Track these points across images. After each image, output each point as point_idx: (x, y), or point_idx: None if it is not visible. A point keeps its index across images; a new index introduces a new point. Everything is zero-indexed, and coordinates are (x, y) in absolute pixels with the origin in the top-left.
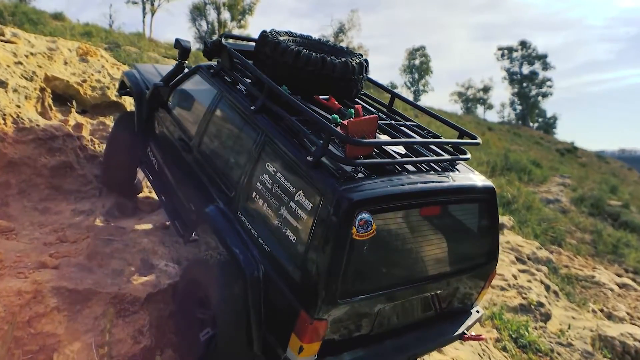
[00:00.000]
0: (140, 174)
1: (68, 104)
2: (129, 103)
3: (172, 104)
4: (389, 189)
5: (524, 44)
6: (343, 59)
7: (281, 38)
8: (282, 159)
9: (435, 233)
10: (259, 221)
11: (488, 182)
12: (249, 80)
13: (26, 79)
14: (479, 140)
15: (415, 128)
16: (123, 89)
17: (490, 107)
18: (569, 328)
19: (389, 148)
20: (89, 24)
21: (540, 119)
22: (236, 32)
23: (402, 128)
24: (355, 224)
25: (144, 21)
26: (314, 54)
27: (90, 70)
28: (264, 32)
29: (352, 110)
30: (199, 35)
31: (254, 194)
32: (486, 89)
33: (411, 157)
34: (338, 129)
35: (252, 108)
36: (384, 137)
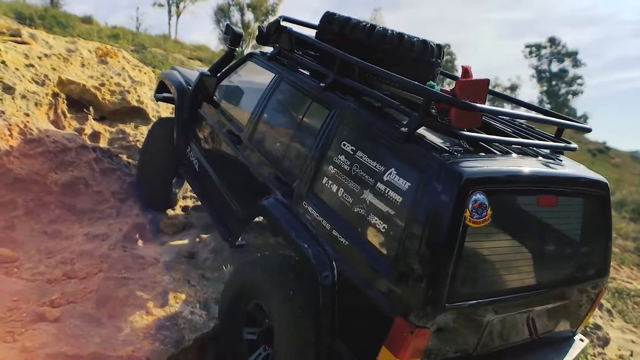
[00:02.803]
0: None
1: (84, 110)
2: (151, 109)
3: (220, 95)
4: (504, 168)
5: (552, 41)
6: (421, 39)
7: None
8: (365, 134)
9: (550, 230)
10: (333, 210)
11: (601, 177)
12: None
13: (37, 83)
14: (588, 126)
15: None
16: (160, 92)
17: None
18: (631, 355)
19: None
20: (117, 27)
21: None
22: None
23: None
24: (469, 206)
25: (169, 23)
26: (389, 30)
27: (109, 73)
28: (328, 12)
29: (434, 83)
30: (222, 36)
31: (325, 179)
32: (513, 88)
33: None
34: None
35: (320, 85)
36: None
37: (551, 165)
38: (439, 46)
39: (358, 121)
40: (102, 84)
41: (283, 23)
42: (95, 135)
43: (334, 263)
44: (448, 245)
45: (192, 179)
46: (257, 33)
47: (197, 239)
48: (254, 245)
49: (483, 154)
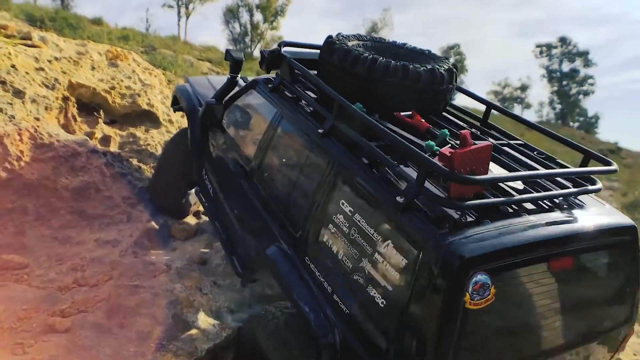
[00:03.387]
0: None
1: (95, 113)
2: (161, 112)
3: (227, 123)
4: (509, 239)
5: (563, 41)
6: (428, 66)
7: (349, 43)
8: (361, 196)
9: (564, 292)
10: (334, 273)
11: (627, 219)
12: (314, 96)
13: (47, 87)
14: (615, 167)
15: (521, 148)
16: (176, 104)
17: (528, 106)
18: None
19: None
20: (127, 28)
21: (581, 119)
22: (268, 34)
23: (506, 149)
24: (469, 289)
25: (178, 24)
26: (392, 61)
27: (119, 76)
28: (329, 37)
29: (446, 130)
30: (232, 37)
31: (326, 237)
32: (524, 88)
33: (530, 191)
34: (436, 160)
35: (319, 131)
36: (495, 169)
37: (567, 218)
38: (449, 71)
39: (355, 181)
40: (113, 87)
41: (284, 50)
42: (106, 139)
43: (335, 329)
44: (446, 333)
45: (207, 203)
46: (259, 58)
47: (209, 245)
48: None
49: (488, 220)
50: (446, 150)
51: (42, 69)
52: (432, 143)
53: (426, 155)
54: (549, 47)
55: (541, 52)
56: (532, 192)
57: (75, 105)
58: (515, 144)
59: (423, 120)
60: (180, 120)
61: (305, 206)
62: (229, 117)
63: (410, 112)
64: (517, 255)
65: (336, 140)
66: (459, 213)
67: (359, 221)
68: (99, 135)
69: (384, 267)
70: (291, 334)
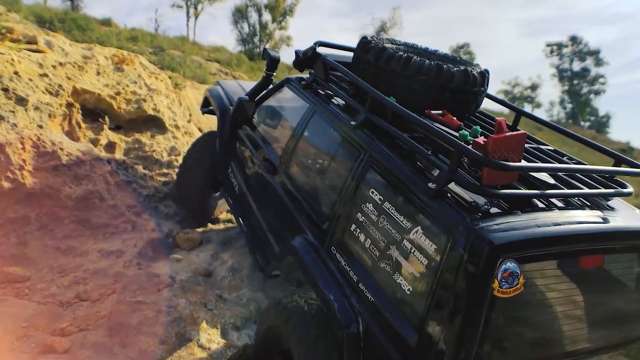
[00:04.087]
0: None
1: (100, 119)
2: (167, 117)
3: (258, 120)
4: (540, 230)
5: (574, 40)
6: (462, 67)
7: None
8: (392, 184)
9: (594, 292)
10: (360, 262)
11: None
12: (345, 93)
13: (51, 93)
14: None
15: (552, 153)
16: (206, 107)
17: (538, 105)
18: None
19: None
20: (136, 29)
21: (592, 118)
22: (277, 33)
23: (537, 152)
24: (498, 275)
25: (187, 25)
26: (426, 60)
27: (125, 81)
28: (364, 37)
29: (478, 127)
30: (240, 37)
31: (353, 226)
32: (534, 87)
33: (560, 187)
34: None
35: (352, 123)
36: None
37: (598, 218)
38: (482, 74)
39: (386, 169)
40: (118, 93)
41: (319, 49)
42: (111, 146)
43: (359, 318)
44: (473, 319)
45: (232, 201)
46: (292, 46)
47: (215, 256)
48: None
49: (518, 211)
50: (480, 139)
51: (46, 75)
52: (466, 132)
53: (460, 142)
54: (560, 46)
55: (552, 51)
56: (563, 189)
57: (80, 111)
58: (546, 149)
59: (455, 118)
60: (186, 126)
61: (334, 197)
62: (259, 114)
63: (441, 111)
64: (548, 246)
65: (368, 132)
66: (490, 201)
67: (388, 209)
68: (103, 141)
69: (411, 253)
70: (315, 324)
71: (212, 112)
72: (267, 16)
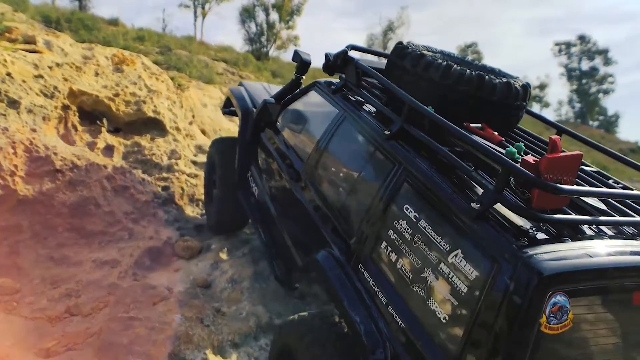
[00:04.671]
0: None
1: (97, 122)
2: (168, 119)
3: (282, 124)
4: (593, 260)
5: (582, 39)
6: (504, 80)
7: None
8: (429, 201)
9: None
10: (391, 283)
11: None
12: (378, 101)
13: (45, 95)
14: None
15: (596, 174)
16: (228, 107)
17: (546, 105)
18: None
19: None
20: (143, 29)
21: (600, 117)
22: (284, 33)
23: (581, 174)
24: (547, 310)
25: (195, 24)
26: (467, 70)
27: (124, 82)
28: (400, 43)
29: (522, 144)
30: (248, 37)
31: (384, 244)
32: (542, 86)
33: (611, 214)
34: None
35: (386, 132)
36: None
37: None
38: (524, 87)
39: (423, 185)
40: (117, 94)
41: (350, 53)
42: (109, 149)
43: (387, 343)
44: (519, 356)
45: (250, 206)
46: (323, 60)
47: (214, 265)
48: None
49: (568, 238)
50: (529, 158)
51: (41, 77)
52: (514, 150)
53: (510, 160)
54: (568, 45)
55: (560, 51)
56: (615, 216)
57: (77, 114)
58: (590, 170)
59: (496, 133)
60: (188, 128)
61: (363, 210)
62: (284, 118)
63: (481, 125)
64: (600, 279)
65: (403, 143)
66: (537, 226)
67: (424, 228)
68: (101, 145)
69: (450, 278)
70: (333, 346)
71: (232, 113)
72: (274, 16)
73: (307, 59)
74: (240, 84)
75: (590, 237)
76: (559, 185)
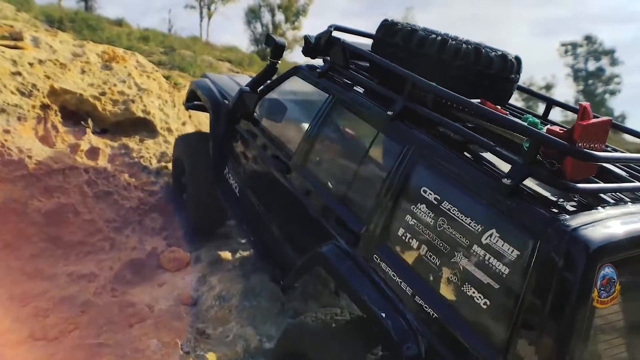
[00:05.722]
0: None
1: (82, 122)
2: (159, 120)
3: (261, 114)
4: (634, 228)
5: (589, 39)
6: (499, 52)
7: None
8: (451, 181)
9: None
10: (415, 272)
11: None
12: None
13: (22, 94)
14: None
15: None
16: (191, 102)
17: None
18: None
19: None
20: (148, 29)
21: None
22: (290, 33)
23: None
24: (597, 283)
25: (200, 25)
26: (464, 44)
27: (112, 80)
28: (386, 20)
29: (529, 116)
30: (253, 37)
31: (402, 231)
32: (548, 87)
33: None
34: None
35: (388, 113)
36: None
37: None
38: (518, 60)
39: (442, 164)
40: (103, 93)
41: (335, 34)
42: (94, 152)
43: (419, 337)
44: (574, 334)
45: (231, 204)
46: (303, 44)
47: (202, 279)
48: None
49: (598, 207)
50: (555, 128)
51: (19, 74)
52: (534, 118)
53: (538, 130)
54: (574, 45)
55: (566, 51)
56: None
57: (59, 113)
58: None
59: (499, 107)
60: (181, 129)
61: (372, 198)
62: (263, 107)
63: (479, 100)
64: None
65: (408, 123)
66: (566, 197)
67: (448, 210)
68: (85, 147)
69: (486, 260)
70: (350, 343)
71: (197, 108)
72: (280, 16)
73: (280, 42)
74: (204, 76)
75: (616, 204)
76: (595, 152)
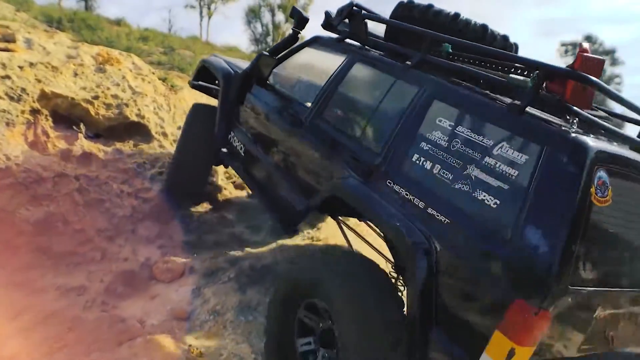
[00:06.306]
0: None
1: (74, 127)
2: (154, 124)
3: (277, 77)
4: (625, 151)
5: (589, 39)
6: (502, 34)
7: None
8: (466, 109)
9: None
10: (428, 187)
11: None
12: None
13: (11, 98)
14: None
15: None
16: (197, 80)
17: None
18: None
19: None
20: (148, 29)
21: None
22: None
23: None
24: (595, 182)
25: (200, 25)
26: (472, 20)
27: (106, 83)
28: (402, 2)
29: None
30: (254, 37)
31: (416, 156)
32: None
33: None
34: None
35: (407, 63)
36: None
37: None
38: (516, 45)
39: (457, 98)
40: (96, 97)
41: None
42: (86, 157)
43: (432, 241)
44: (575, 222)
45: (236, 164)
46: (323, 18)
47: (197, 291)
48: None
49: (592, 134)
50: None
51: (8, 77)
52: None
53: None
54: (575, 45)
55: (566, 51)
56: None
57: (49, 118)
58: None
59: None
60: (176, 133)
61: (388, 133)
62: (280, 71)
63: None
64: (631, 168)
65: (425, 70)
66: (566, 120)
67: (462, 132)
68: (77, 152)
69: (496, 168)
70: (364, 276)
71: (201, 89)
72: (280, 16)
73: (305, 15)
74: (214, 55)
75: (604, 135)
76: (592, 77)
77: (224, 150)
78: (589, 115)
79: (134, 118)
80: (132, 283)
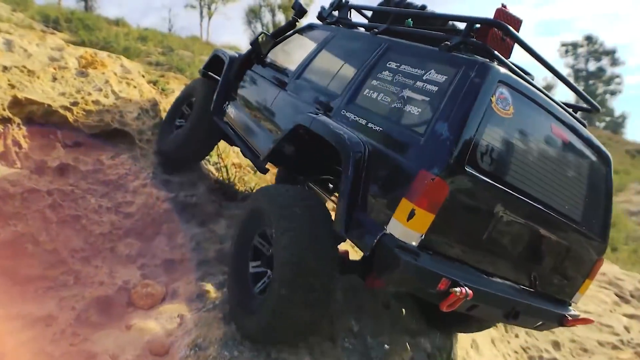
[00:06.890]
0: None
1: (51, 136)
2: (138, 131)
3: (273, 54)
4: (529, 86)
5: (589, 39)
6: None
7: None
8: (410, 53)
9: (559, 164)
10: (370, 110)
11: (606, 150)
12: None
13: None
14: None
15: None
16: (208, 69)
17: None
18: None
19: None
20: (148, 29)
21: (607, 118)
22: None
23: None
24: (496, 93)
25: (201, 25)
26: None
27: (87, 88)
28: None
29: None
30: (253, 37)
31: (367, 91)
32: (549, 87)
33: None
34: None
35: (375, 30)
36: None
37: (569, 119)
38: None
39: (405, 45)
40: (75, 103)
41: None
42: (63, 169)
43: (366, 146)
44: (474, 116)
45: (226, 124)
46: (319, 12)
47: (180, 318)
48: None
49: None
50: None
51: None
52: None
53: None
54: (575, 45)
55: (567, 51)
56: None
57: (23, 127)
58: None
59: None
60: None
61: (348, 79)
62: (277, 49)
63: None
64: (532, 96)
65: (388, 35)
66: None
67: (404, 69)
68: (53, 164)
69: (424, 88)
70: (298, 203)
71: (207, 76)
72: (280, 16)
73: (305, 8)
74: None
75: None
76: (507, 25)
77: (218, 116)
78: (504, 59)
79: (116, 125)
80: (107, 310)
